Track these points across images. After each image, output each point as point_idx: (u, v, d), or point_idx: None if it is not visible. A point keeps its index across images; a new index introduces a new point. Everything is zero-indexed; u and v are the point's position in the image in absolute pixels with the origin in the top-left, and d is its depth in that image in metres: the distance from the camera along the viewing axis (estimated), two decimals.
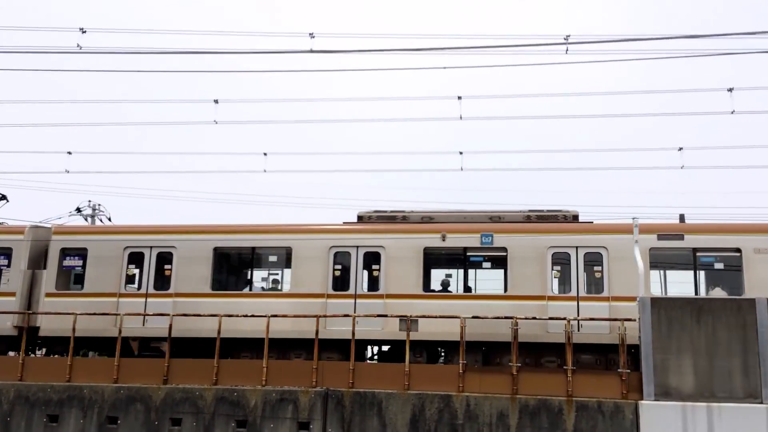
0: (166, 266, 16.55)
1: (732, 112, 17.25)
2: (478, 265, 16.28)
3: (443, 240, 15.73)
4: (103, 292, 16.36)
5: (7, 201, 19.63)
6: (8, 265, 17.08)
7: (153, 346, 16.24)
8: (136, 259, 16.76)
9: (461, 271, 16.08)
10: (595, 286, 15.12)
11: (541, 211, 16.76)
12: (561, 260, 15.36)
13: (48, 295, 16.63)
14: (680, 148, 19.30)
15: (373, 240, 15.93)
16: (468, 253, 15.87)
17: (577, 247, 15.31)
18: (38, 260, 17.31)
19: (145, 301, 16.26)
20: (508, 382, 12.65)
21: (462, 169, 19.32)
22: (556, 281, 15.27)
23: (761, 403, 11.57)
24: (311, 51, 14.27)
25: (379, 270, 15.85)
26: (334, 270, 15.91)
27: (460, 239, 15.72)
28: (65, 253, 17.00)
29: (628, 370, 12.30)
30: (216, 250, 16.45)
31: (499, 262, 15.78)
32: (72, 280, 17.30)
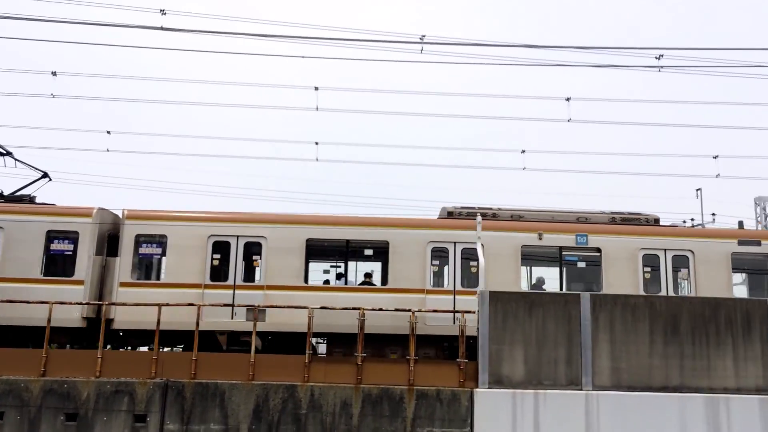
0: (255, 257, 15.82)
1: (569, 120, 18.59)
2: (572, 264, 16.54)
3: (540, 239, 15.98)
4: (186, 283, 15.30)
5: (50, 179, 17.81)
6: (74, 251, 15.46)
7: (243, 340, 15.03)
8: (221, 248, 15.75)
9: (556, 270, 16.26)
10: (681, 286, 16.08)
11: (623, 213, 17.49)
12: (650, 261, 16.11)
13: (123, 284, 15.28)
14: (523, 151, 20.52)
15: (472, 236, 15.46)
16: (563, 253, 16.12)
17: (665, 249, 16.14)
18: (107, 246, 15.97)
19: (233, 293, 15.21)
20: (353, 371, 12.87)
21: (317, 159, 19.34)
22: (646, 281, 15.91)
23: (581, 389, 12.58)
24: (162, 28, 13.65)
25: (477, 266, 15.60)
26: (432, 265, 15.80)
27: (556, 238, 15.91)
28: (141, 239, 15.73)
29: (466, 360, 12.93)
30: (309, 241, 15.81)
31: (593, 262, 16.21)
32: (148, 268, 16.22)
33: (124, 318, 14.76)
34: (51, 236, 15.57)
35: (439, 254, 15.96)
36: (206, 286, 15.30)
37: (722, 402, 12.47)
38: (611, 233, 16.32)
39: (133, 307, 14.10)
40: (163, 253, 15.78)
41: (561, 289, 16.08)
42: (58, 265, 15.71)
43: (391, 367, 13.16)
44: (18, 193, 17.26)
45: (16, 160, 17.81)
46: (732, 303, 13.44)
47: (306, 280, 15.65)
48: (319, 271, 16.85)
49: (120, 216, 16.07)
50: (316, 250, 16.30)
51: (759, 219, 30.83)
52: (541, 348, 12.88)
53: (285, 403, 12.46)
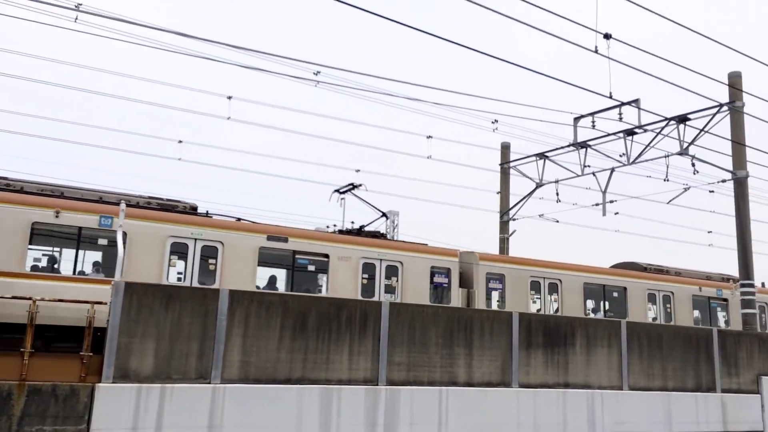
0: (554, 294, 22.18)
1: (228, 118, 18.82)
2: (714, 309, 26.91)
3: (700, 291, 26.11)
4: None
5: (387, 218, 21.73)
6: (448, 284, 20.11)
7: None
8: (535, 286, 22.08)
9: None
10: None
11: (728, 275, 28.68)
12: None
13: None
14: (180, 141, 20.17)
15: (664, 287, 25.28)
16: (710, 301, 26.64)
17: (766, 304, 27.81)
18: (466, 280, 20.91)
19: None
20: None
21: None
22: None
23: (209, 383, 12.78)
24: None
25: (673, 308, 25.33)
26: (648, 308, 24.30)
27: (709, 291, 26.38)
28: (489, 276, 21.00)
29: (90, 354, 12.18)
30: (585, 284, 23.01)
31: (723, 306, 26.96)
32: (493, 300, 21.22)
33: None
34: (433, 271, 20.15)
35: (665, 300, 25.09)
36: None
37: (335, 392, 13.78)
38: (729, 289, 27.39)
39: None
40: (503, 288, 21.31)
41: (717, 324, 26.44)
42: (438, 295, 20.27)
43: (2, 361, 11.76)
44: (368, 229, 21.46)
45: (360, 199, 22.09)
46: (354, 303, 14.95)
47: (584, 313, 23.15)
48: (591, 307, 24.19)
49: (472, 257, 21.29)
50: (588, 291, 23.55)
51: (388, 230, 34.80)
52: (174, 342, 12.75)
53: None
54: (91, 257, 16.46)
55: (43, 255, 15.91)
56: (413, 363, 15.15)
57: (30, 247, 15.30)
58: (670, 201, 27.51)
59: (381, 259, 19.33)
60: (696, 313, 26.46)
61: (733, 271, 24.27)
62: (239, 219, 18.65)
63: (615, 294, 24.00)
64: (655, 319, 24.70)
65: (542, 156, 29.98)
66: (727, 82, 23.41)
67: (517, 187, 32.07)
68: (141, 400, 11.98)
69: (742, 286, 22.68)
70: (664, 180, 25.11)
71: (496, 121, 27.24)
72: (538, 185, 30.48)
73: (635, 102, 24.81)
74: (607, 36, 14.39)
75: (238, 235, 17.25)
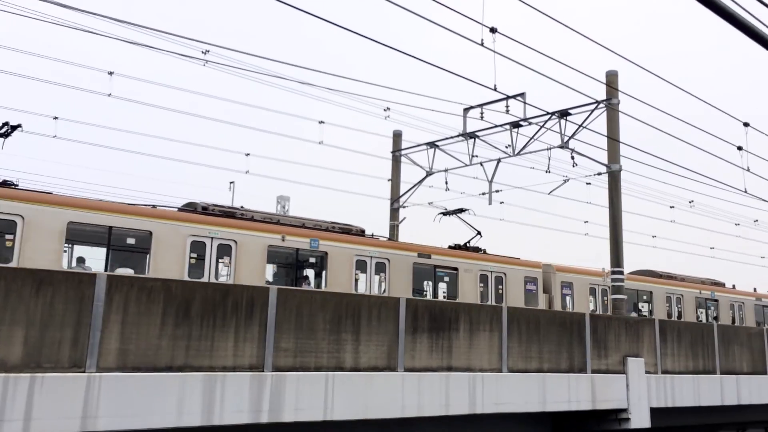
0: (605, 298, 27.30)
1: (109, 95, 17.94)
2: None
3: (700, 294, 32.26)
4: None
5: (481, 236, 27.53)
6: (535, 290, 25.81)
7: None
8: (592, 291, 28.25)
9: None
10: None
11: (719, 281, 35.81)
12: None
13: None
14: (55, 117, 19.09)
15: (696, 293, 32.68)
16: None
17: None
18: (546, 287, 26.82)
19: None
20: None
21: None
22: None
23: (84, 372, 12.19)
24: None
25: None
26: (666, 308, 31.00)
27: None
28: (563, 284, 26.69)
29: None
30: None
31: None
32: (563, 302, 27.51)
33: None
34: (526, 280, 25.53)
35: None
36: None
37: (219, 379, 13.52)
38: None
39: None
40: (572, 293, 26.40)
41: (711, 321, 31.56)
42: (528, 299, 25.33)
43: None
44: (470, 244, 26.68)
45: (461, 219, 27.27)
46: (240, 290, 14.71)
47: None
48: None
49: (549, 268, 26.56)
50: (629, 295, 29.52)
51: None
52: (45, 329, 12.06)
53: None
54: (306, 273, 21.73)
55: (274, 271, 21.47)
56: (300, 349, 15.10)
57: (267, 264, 20.28)
58: (551, 192, 28.83)
59: (491, 271, 24.95)
60: (697, 312, 32.35)
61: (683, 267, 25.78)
62: (390, 238, 23.63)
63: (644, 297, 30.39)
64: (670, 316, 30.64)
65: (433, 145, 30.60)
66: (604, 81, 24.76)
67: (408, 175, 32.59)
68: (8, 390, 11.26)
69: (613, 273, 24.17)
70: (546, 171, 26.30)
71: (389, 108, 27.52)
72: (428, 173, 31.11)
73: (521, 96, 25.76)
74: (493, 30, 14.83)
75: (399, 253, 22.76)
